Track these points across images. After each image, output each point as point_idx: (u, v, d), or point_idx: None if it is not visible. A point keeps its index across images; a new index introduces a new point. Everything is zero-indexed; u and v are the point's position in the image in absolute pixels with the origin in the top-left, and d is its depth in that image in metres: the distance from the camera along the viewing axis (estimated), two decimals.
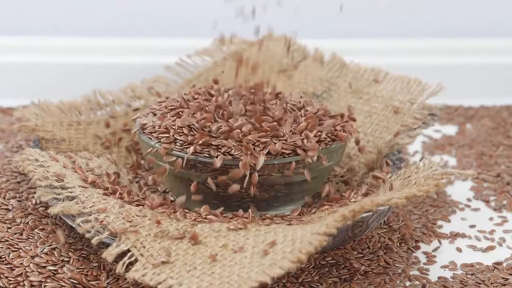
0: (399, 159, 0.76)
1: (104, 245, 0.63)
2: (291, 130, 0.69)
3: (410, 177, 0.67)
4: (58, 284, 0.63)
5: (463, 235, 0.73)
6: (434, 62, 1.05)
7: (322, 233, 0.57)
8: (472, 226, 0.75)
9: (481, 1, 1.10)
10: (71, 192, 0.66)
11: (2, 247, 0.66)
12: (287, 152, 0.67)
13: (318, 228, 0.58)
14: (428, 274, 0.67)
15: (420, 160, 0.68)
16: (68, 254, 0.66)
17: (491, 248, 0.71)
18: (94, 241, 0.62)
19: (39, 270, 0.64)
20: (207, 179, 0.68)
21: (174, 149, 0.68)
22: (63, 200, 0.66)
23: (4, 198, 0.74)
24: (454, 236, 0.73)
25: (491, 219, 0.76)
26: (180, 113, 0.70)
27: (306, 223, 0.63)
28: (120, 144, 0.81)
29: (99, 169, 0.73)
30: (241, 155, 0.66)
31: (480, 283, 0.66)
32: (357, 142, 0.73)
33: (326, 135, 0.69)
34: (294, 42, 0.90)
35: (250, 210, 0.66)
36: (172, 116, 0.70)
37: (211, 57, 0.90)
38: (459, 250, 0.71)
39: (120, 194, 0.69)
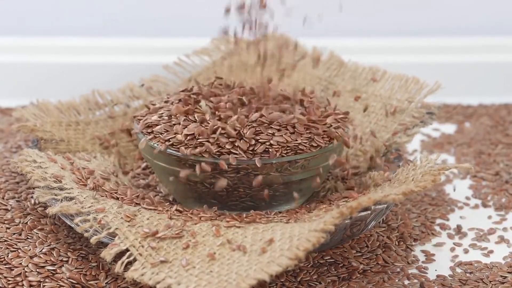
0: (398, 158, 0.76)
1: (103, 244, 0.63)
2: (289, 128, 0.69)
3: (408, 174, 0.67)
4: (57, 284, 0.63)
5: (462, 234, 0.73)
6: (433, 61, 1.05)
7: (319, 230, 0.57)
8: (471, 224, 0.75)
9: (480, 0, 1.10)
10: (69, 193, 0.66)
11: (1, 247, 0.66)
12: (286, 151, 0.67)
13: (315, 225, 0.58)
14: (426, 273, 0.67)
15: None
16: (67, 254, 0.66)
17: (489, 246, 0.71)
18: (92, 240, 0.62)
19: (38, 270, 0.64)
20: (205, 179, 0.68)
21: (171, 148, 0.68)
22: (62, 200, 0.66)
23: (3, 198, 0.74)
24: (453, 234, 0.73)
25: (489, 217, 0.76)
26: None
27: (304, 221, 0.63)
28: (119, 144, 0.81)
29: (98, 170, 0.73)
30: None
31: (478, 282, 0.66)
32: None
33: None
34: (292, 41, 0.90)
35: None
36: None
37: (209, 56, 0.90)
38: (457, 248, 0.71)
39: (120, 196, 0.69)
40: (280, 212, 0.68)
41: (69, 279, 0.63)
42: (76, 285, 0.63)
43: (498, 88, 1.05)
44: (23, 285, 0.63)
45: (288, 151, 0.67)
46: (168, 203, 0.70)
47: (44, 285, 0.63)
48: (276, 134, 0.67)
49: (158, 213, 0.65)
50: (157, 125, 0.70)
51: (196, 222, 0.64)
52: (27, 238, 0.68)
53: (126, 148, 0.81)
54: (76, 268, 0.65)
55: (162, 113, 0.71)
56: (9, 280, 0.63)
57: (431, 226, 0.74)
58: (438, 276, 0.67)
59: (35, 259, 0.65)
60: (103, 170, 0.73)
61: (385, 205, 0.65)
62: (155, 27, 1.08)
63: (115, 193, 0.69)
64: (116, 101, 0.84)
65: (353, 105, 0.81)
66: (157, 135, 0.69)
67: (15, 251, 0.66)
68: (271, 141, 0.67)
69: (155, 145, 0.69)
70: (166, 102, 0.73)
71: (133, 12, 1.08)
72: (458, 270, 0.68)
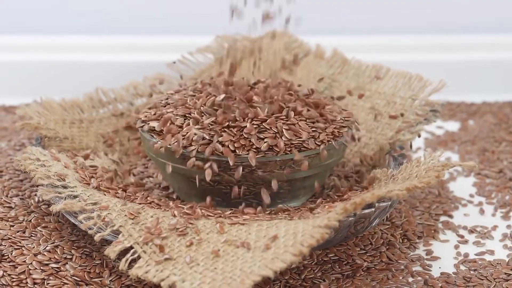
0: (402, 155, 0.76)
1: (107, 242, 0.63)
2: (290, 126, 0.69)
3: (412, 171, 0.67)
4: (61, 282, 0.63)
5: (466, 231, 0.73)
6: (437, 59, 1.05)
7: (323, 226, 0.57)
8: (475, 222, 0.75)
9: None
10: (72, 191, 0.66)
11: (5, 245, 0.67)
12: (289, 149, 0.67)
13: (319, 221, 0.58)
14: (430, 270, 0.67)
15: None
16: (70, 251, 0.66)
17: (493, 243, 0.71)
18: (96, 237, 0.62)
19: (41, 267, 0.64)
20: None
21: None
22: (65, 198, 0.66)
23: (7, 196, 0.74)
24: (457, 232, 0.73)
25: (493, 214, 0.76)
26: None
27: (308, 218, 0.63)
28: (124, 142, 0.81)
29: (101, 168, 0.73)
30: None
31: (482, 279, 0.65)
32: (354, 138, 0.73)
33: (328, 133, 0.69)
34: (296, 39, 0.90)
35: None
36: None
37: (213, 54, 0.90)
38: (461, 245, 0.71)
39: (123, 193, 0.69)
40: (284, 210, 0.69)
41: (73, 277, 0.63)
42: (80, 282, 0.63)
43: (501, 85, 1.05)
44: (27, 282, 0.63)
45: (292, 148, 0.67)
46: (172, 201, 0.70)
47: (48, 283, 0.63)
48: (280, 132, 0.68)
49: (162, 210, 0.65)
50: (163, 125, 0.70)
51: (200, 219, 0.64)
52: (31, 235, 0.68)
53: (130, 146, 0.81)
54: (80, 266, 0.65)
55: (162, 112, 0.71)
56: (13, 278, 0.63)
57: (435, 223, 0.74)
58: (442, 273, 0.67)
59: (39, 257, 0.65)
60: (106, 169, 0.73)
61: (389, 202, 0.65)
62: (158, 25, 1.08)
63: (119, 191, 0.69)
64: (120, 99, 0.84)
65: (357, 103, 0.81)
66: (161, 134, 0.69)
67: (19, 248, 0.66)
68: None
69: (158, 142, 0.69)
70: (167, 100, 0.73)
71: (137, 10, 1.08)
72: (462, 267, 0.68)
